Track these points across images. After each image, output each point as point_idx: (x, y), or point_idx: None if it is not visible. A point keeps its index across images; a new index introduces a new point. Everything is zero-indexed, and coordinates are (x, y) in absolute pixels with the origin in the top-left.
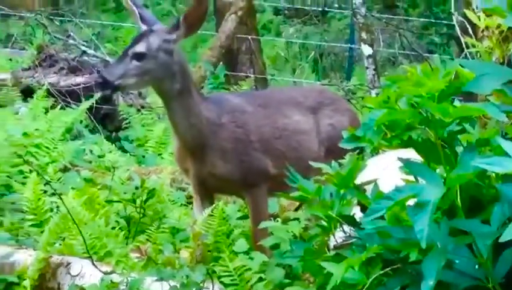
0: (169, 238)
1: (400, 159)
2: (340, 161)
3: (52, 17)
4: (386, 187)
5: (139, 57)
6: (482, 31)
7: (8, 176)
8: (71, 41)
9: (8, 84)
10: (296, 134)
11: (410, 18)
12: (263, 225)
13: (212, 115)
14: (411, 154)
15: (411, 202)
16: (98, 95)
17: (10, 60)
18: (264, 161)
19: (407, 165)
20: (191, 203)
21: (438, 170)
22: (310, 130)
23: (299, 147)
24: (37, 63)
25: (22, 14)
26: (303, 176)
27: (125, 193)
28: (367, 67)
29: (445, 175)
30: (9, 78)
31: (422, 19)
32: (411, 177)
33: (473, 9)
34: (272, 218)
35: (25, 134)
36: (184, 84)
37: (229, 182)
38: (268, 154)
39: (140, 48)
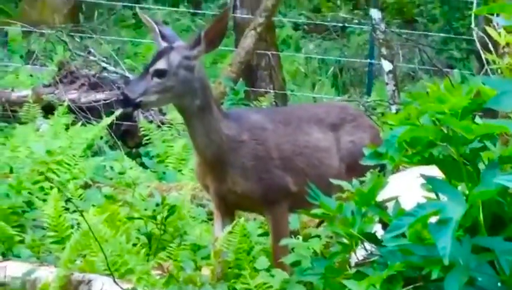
0: (191, 256)
1: (422, 176)
2: (361, 178)
3: (72, 33)
4: (407, 204)
5: (160, 74)
6: (503, 47)
7: (29, 193)
8: (91, 57)
9: (29, 101)
10: (317, 151)
11: (429, 33)
12: (284, 242)
13: (232, 132)
14: (432, 171)
15: (433, 219)
16: (119, 111)
17: (31, 76)
18: (284, 178)
19: (429, 182)
20: (211, 219)
21: (459, 187)
22: (330, 147)
23: (320, 164)
24: (57, 79)
25: (43, 31)
26: (324, 193)
27: (146, 210)
28: (387, 83)
29: (467, 192)
30: (31, 95)
31: (442, 34)
32: (433, 195)
33: (494, 26)
34: (292, 235)
35: (48, 152)
36: (205, 100)
37: (250, 199)
38: (289, 172)
39: (161, 65)
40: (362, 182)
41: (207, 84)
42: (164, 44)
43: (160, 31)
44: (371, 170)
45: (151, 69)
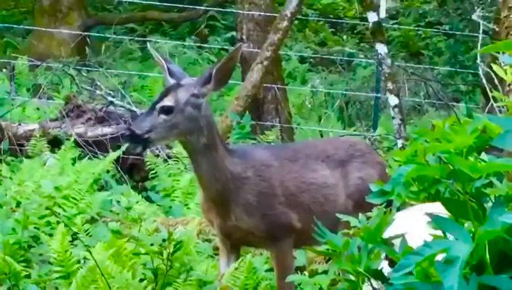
0: None
1: (428, 214)
2: (368, 213)
3: (79, 67)
4: (413, 241)
5: (167, 111)
6: (509, 85)
7: (36, 228)
8: (98, 91)
9: (36, 135)
10: (323, 188)
11: (435, 67)
12: (290, 278)
13: (236, 169)
14: (438, 208)
15: (439, 256)
16: (125, 146)
17: (38, 109)
18: (289, 214)
19: (436, 221)
20: (217, 254)
21: (465, 225)
22: (336, 184)
23: (325, 200)
24: (64, 113)
25: (50, 64)
26: (330, 230)
27: (152, 245)
28: (393, 117)
29: (473, 230)
30: (37, 129)
31: (447, 68)
32: (439, 232)
33: (500, 64)
34: (299, 271)
35: (56, 188)
36: (210, 138)
37: (254, 235)
38: (294, 208)
39: (168, 102)
40: (369, 218)
41: (213, 122)
42: (172, 81)
43: (168, 68)
44: (378, 207)
45: (158, 106)
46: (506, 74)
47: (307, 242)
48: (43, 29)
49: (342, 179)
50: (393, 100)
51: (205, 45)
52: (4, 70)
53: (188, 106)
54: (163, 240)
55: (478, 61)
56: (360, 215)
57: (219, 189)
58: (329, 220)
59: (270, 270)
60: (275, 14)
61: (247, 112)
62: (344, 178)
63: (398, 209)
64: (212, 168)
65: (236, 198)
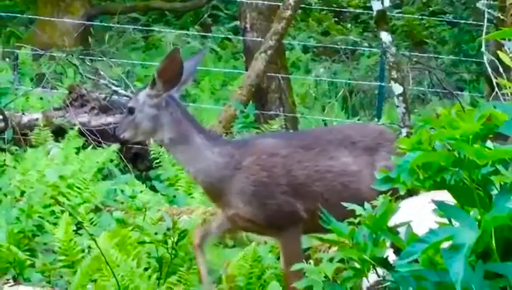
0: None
1: (434, 202)
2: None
3: (82, 56)
4: (419, 229)
5: (130, 111)
6: None
7: (40, 217)
8: (102, 80)
9: (40, 124)
10: (341, 176)
11: (439, 56)
12: (295, 267)
13: (226, 159)
14: (444, 196)
15: (445, 244)
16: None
17: (41, 99)
18: (293, 204)
19: (441, 208)
20: (221, 243)
21: (471, 213)
22: (358, 171)
23: (344, 189)
24: (68, 102)
25: (53, 54)
26: (348, 218)
27: (156, 234)
28: (397, 106)
29: (479, 217)
30: (41, 118)
31: (451, 57)
32: (445, 220)
33: (505, 50)
34: (304, 259)
35: (61, 177)
36: (180, 133)
37: (256, 224)
38: (301, 198)
39: (130, 103)
40: (375, 206)
41: (180, 118)
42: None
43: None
44: (383, 195)
45: (126, 108)
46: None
47: (320, 231)
48: (47, 18)
49: (367, 167)
50: (397, 89)
51: (209, 34)
52: (7, 59)
53: (145, 106)
54: (168, 229)
55: (483, 49)
56: (366, 203)
57: (204, 180)
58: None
59: (277, 259)
60: (278, 3)
61: (250, 102)
62: (370, 166)
63: (403, 197)
64: (188, 160)
65: (230, 187)
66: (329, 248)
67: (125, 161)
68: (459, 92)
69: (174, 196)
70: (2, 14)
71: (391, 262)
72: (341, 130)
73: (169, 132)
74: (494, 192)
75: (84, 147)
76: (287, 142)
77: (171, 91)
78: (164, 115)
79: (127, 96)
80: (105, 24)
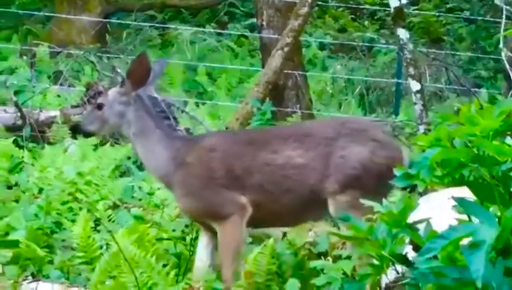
0: (220, 276)
1: (454, 198)
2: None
3: (100, 54)
4: (438, 226)
5: (99, 106)
6: None
7: (58, 213)
8: (119, 78)
9: (58, 122)
10: (281, 169)
11: (456, 53)
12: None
13: (177, 154)
14: (463, 192)
15: (465, 241)
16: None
17: (59, 96)
18: (232, 196)
19: (461, 204)
20: None
21: (491, 209)
22: (305, 163)
23: (285, 180)
24: (85, 100)
25: (71, 51)
26: (300, 208)
27: (174, 231)
28: (415, 103)
29: (499, 214)
30: (59, 116)
31: (468, 53)
32: (464, 216)
33: None
34: (322, 256)
35: (79, 174)
36: (141, 128)
37: (198, 216)
38: (241, 190)
39: (100, 99)
40: (393, 202)
41: (144, 114)
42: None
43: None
44: (401, 191)
45: (95, 102)
46: None
47: (272, 218)
48: (64, 16)
49: (318, 159)
50: (415, 86)
51: (225, 31)
52: (25, 57)
53: (114, 102)
54: (186, 226)
55: (501, 45)
56: (384, 200)
57: (162, 174)
58: (297, 199)
59: (295, 255)
60: (295, 0)
61: (267, 99)
62: (323, 158)
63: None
64: (146, 154)
65: (176, 181)
66: (344, 244)
67: None
68: (477, 89)
69: None
70: (20, 11)
71: (410, 259)
72: (299, 125)
73: (133, 127)
74: None
75: (101, 144)
76: (230, 138)
77: (139, 90)
78: (130, 111)
79: None
80: (122, 22)
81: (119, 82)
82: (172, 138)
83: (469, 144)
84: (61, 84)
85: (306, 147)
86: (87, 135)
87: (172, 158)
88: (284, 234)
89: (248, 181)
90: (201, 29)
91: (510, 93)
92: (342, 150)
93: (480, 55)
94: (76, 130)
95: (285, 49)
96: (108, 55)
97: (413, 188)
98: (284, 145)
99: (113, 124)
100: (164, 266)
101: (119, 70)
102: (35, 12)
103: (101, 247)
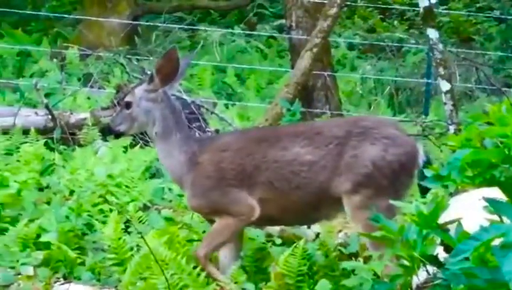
0: (251, 278)
1: (484, 199)
2: (375, 194)
3: (129, 56)
4: (469, 227)
5: (127, 105)
6: None
7: (89, 215)
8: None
9: (88, 124)
10: (289, 165)
11: (486, 52)
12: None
13: (190, 155)
14: (494, 193)
15: (496, 242)
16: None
17: (89, 98)
18: (240, 195)
19: (492, 205)
20: (270, 241)
21: None
22: (315, 161)
23: (294, 177)
24: (115, 102)
25: (100, 54)
26: (307, 206)
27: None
28: (445, 103)
29: None
30: (89, 118)
31: (498, 53)
32: (495, 217)
33: None
34: (352, 257)
35: (109, 176)
36: (165, 128)
37: (207, 214)
38: (250, 188)
39: (127, 98)
40: (425, 202)
41: (169, 113)
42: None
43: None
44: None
45: (123, 102)
46: None
47: (282, 215)
48: (93, 18)
49: (328, 157)
50: (445, 86)
51: (254, 33)
52: (55, 60)
53: (142, 100)
54: None
55: None
56: (414, 201)
57: (174, 174)
58: (306, 196)
59: (326, 256)
60: (324, 1)
61: (297, 100)
62: (334, 157)
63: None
64: (166, 154)
65: (188, 181)
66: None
67: None
68: (507, 89)
69: None
70: (49, 14)
71: (441, 260)
72: (312, 124)
73: (157, 126)
74: None
75: (131, 145)
76: (241, 137)
77: (166, 87)
78: (157, 109)
79: (174, 95)
80: (152, 24)
81: (145, 80)
82: (191, 142)
83: (500, 144)
84: (91, 87)
85: (316, 144)
86: (118, 136)
87: (186, 162)
88: (317, 235)
89: (258, 178)
90: (230, 30)
91: None
92: (354, 149)
93: (510, 55)
94: (106, 132)
95: (314, 49)
96: (137, 57)
97: (427, 189)
98: (294, 142)
99: (141, 122)
100: (194, 267)
101: (148, 72)
102: (65, 16)
103: (132, 248)
